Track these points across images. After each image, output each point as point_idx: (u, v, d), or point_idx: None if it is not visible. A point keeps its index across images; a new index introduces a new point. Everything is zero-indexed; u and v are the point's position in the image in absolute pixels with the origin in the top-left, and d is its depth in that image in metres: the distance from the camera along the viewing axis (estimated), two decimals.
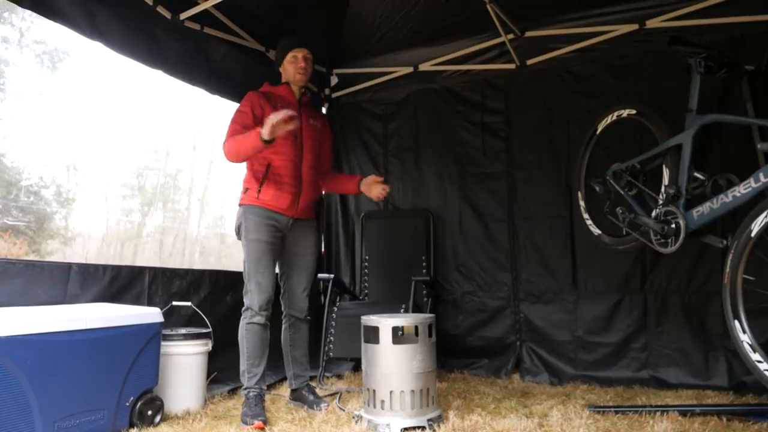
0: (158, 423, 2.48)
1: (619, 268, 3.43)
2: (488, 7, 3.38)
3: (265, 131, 2.40)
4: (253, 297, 2.65)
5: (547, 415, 2.58)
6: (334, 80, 4.45)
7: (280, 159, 2.70)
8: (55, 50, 9.26)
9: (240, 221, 2.72)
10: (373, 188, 2.89)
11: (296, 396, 2.90)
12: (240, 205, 2.76)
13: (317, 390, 3.02)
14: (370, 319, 2.49)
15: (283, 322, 2.92)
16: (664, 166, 2.69)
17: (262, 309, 2.66)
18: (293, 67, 2.80)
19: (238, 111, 2.70)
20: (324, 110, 4.43)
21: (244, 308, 2.70)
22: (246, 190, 2.75)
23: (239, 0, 3.44)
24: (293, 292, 2.86)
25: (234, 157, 2.60)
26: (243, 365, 2.68)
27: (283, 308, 2.89)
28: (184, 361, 2.75)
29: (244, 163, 2.74)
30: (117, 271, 2.94)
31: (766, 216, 2.06)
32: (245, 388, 2.66)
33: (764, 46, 2.81)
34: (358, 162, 4.37)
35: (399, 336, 2.43)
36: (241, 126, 2.62)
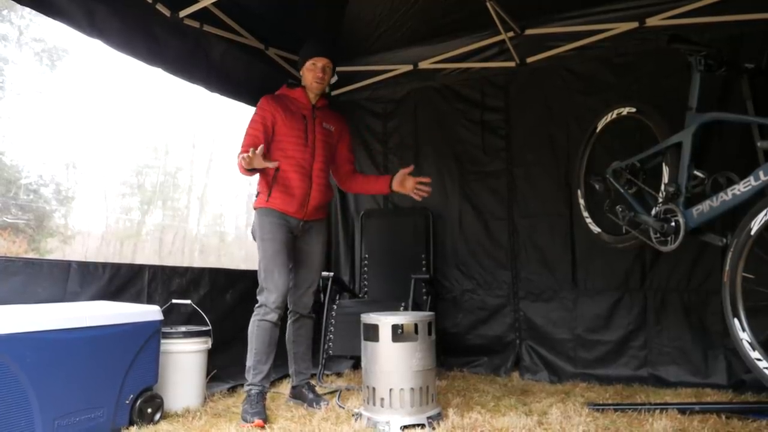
0: (158, 421, 2.48)
1: (619, 267, 3.43)
2: (488, 4, 3.38)
3: (243, 164, 2.50)
4: (269, 295, 2.67)
5: (547, 413, 2.58)
6: (333, 78, 4.43)
7: (288, 163, 2.73)
8: (54, 48, 9.23)
9: (255, 224, 2.79)
10: (407, 182, 2.83)
11: (296, 394, 2.90)
12: (254, 208, 2.82)
13: (317, 388, 3.03)
14: (369, 317, 2.49)
15: (289, 317, 2.93)
16: (663, 165, 2.69)
17: (277, 307, 2.67)
18: (311, 75, 2.83)
19: (251, 120, 2.76)
20: None
21: (257, 305, 2.71)
22: (258, 193, 2.81)
23: None
24: (299, 288, 2.88)
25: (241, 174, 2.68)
26: (250, 361, 2.69)
27: (289, 304, 2.90)
28: (184, 358, 2.75)
29: None
30: (116, 269, 2.94)
31: (765, 214, 2.06)
32: (248, 385, 2.67)
33: (763, 45, 2.81)
34: (358, 160, 4.32)
35: (398, 334, 2.43)
36: (252, 138, 2.70)
